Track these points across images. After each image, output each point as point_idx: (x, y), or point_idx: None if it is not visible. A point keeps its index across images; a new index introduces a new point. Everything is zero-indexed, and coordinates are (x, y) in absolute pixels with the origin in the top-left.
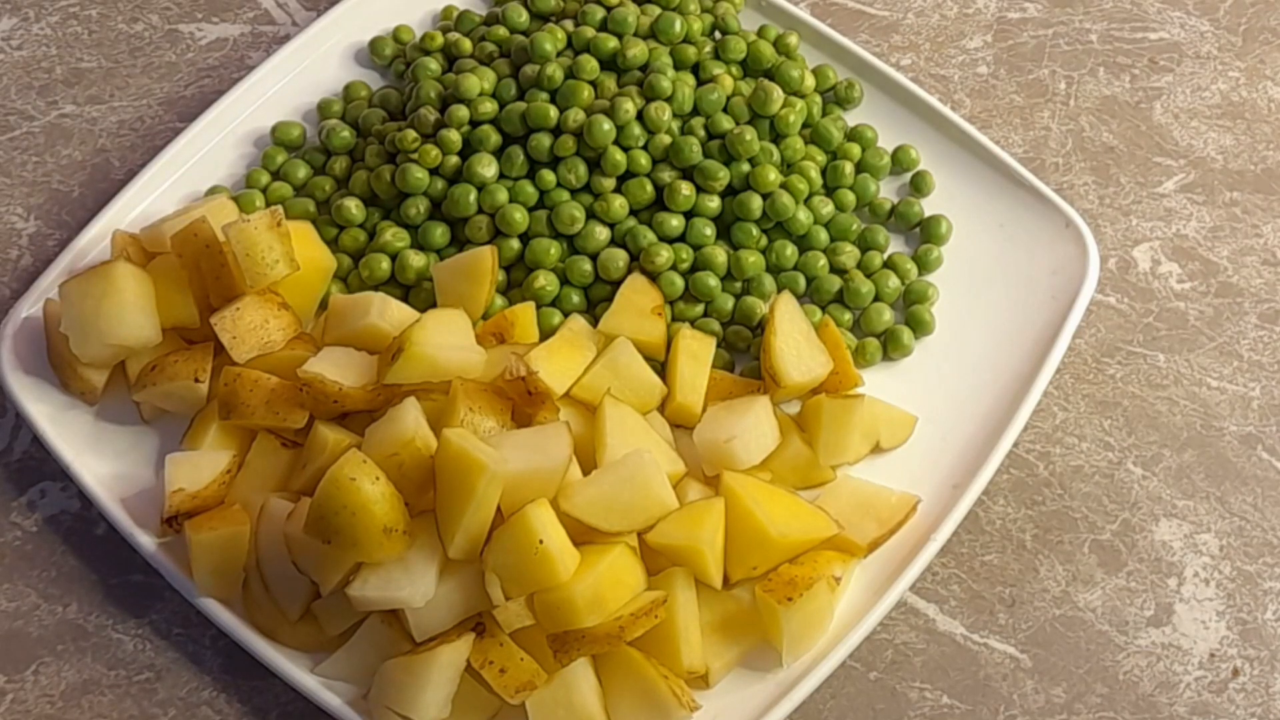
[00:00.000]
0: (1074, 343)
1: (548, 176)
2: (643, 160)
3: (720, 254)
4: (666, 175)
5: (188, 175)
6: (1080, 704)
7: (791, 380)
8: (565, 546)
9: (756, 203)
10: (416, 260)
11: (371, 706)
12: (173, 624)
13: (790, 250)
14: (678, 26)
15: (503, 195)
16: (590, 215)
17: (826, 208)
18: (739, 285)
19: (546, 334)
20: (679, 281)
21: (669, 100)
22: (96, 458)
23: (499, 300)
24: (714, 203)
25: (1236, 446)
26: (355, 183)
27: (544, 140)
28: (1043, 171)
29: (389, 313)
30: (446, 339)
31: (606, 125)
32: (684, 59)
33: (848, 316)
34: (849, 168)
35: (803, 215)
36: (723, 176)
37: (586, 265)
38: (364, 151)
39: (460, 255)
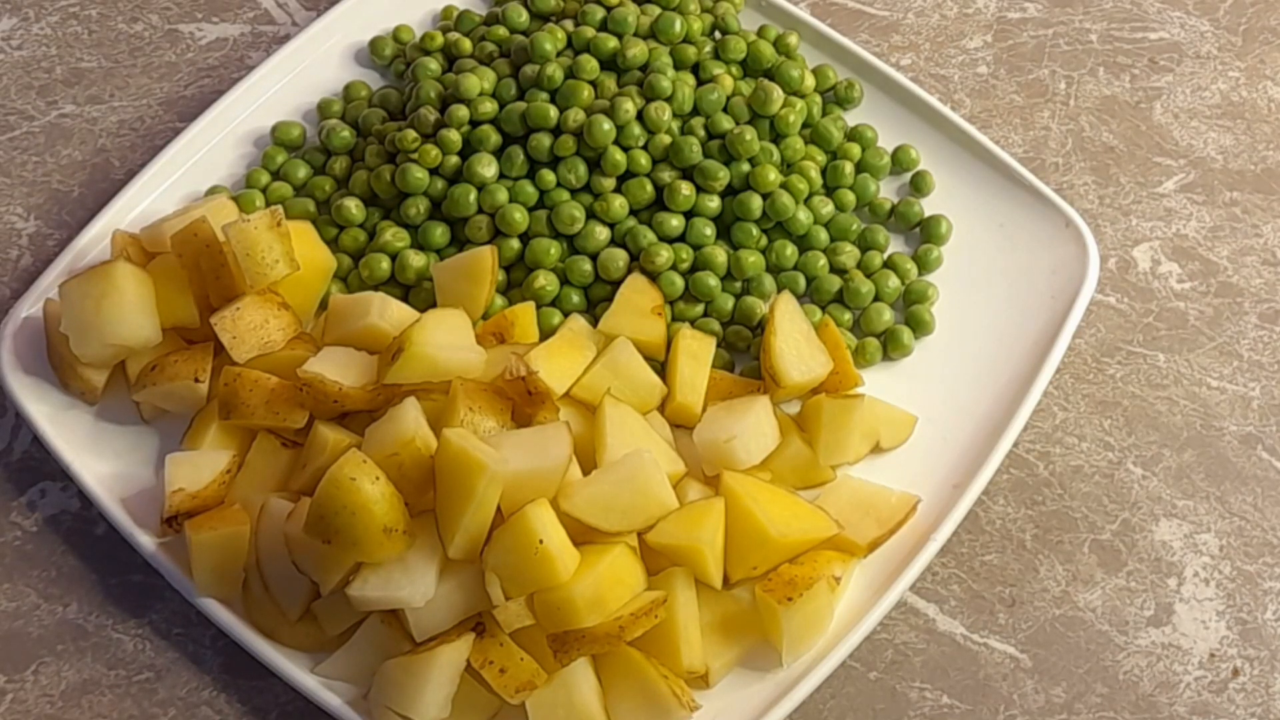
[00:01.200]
0: (1074, 343)
1: (548, 176)
2: (643, 160)
3: (720, 254)
4: (666, 175)
5: (188, 175)
6: (1080, 704)
7: (791, 380)
8: (565, 546)
9: (756, 203)
10: (416, 260)
11: (371, 706)
12: (173, 624)
13: (790, 250)
14: (678, 26)
15: (503, 195)
16: (590, 215)
17: (826, 208)
18: (739, 285)
19: (546, 334)
20: (679, 281)
21: (669, 100)
22: (96, 458)
23: (499, 300)
24: (714, 203)
25: (1236, 446)
26: (355, 183)
27: (544, 140)
28: (1043, 171)
29: (389, 313)
30: (446, 339)
31: (606, 125)
32: (684, 59)
33: (848, 316)
34: (849, 168)
35: (803, 215)
36: (723, 176)
37: (586, 265)
38: (364, 151)
39: (460, 255)
